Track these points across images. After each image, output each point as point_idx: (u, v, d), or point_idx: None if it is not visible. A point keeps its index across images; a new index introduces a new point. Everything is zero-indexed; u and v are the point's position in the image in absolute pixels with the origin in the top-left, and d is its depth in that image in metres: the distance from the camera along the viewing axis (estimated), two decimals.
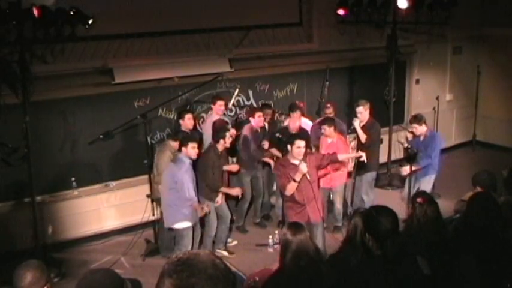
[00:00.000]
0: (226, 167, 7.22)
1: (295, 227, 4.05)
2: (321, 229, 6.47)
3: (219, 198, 7.01)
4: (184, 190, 6.36)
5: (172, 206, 6.51)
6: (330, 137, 7.33)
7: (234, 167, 7.41)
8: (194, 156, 6.52)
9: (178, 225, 6.53)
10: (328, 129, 7.28)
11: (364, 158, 6.68)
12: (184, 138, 6.62)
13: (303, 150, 6.18)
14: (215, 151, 6.91)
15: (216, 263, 1.72)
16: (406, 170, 7.60)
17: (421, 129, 7.66)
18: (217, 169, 6.95)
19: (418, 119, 7.75)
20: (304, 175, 6.11)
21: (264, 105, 8.38)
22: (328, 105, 8.25)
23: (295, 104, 8.18)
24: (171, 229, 6.68)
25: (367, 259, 3.82)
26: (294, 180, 6.10)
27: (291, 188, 6.18)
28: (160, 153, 7.02)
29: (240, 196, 7.38)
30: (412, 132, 7.91)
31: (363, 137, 7.72)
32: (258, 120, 7.73)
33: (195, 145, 6.50)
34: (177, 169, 6.39)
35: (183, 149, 6.43)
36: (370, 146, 7.67)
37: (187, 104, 8.26)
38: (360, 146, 7.75)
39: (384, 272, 3.60)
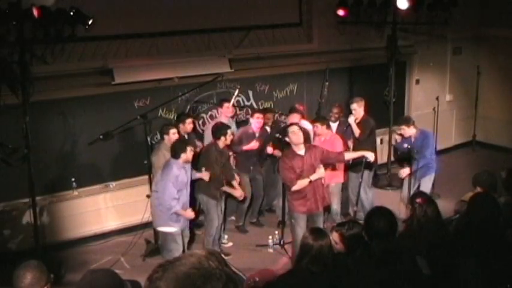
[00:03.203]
0: (198, 175, 6.83)
1: (318, 232, 4.02)
2: (322, 218, 6.64)
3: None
4: (165, 195, 6.22)
5: (157, 209, 6.45)
6: (322, 135, 7.30)
7: (205, 175, 6.89)
8: (190, 159, 6.45)
9: (163, 229, 6.44)
10: (320, 128, 7.25)
11: (372, 159, 6.70)
12: (180, 144, 6.44)
13: (300, 135, 6.27)
14: (216, 148, 6.92)
15: (199, 264, 1.69)
16: (404, 172, 7.62)
17: (409, 131, 7.64)
18: (219, 165, 6.95)
19: (406, 120, 7.81)
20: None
21: (265, 109, 8.37)
22: (337, 104, 8.24)
23: (294, 107, 8.18)
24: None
25: (363, 258, 3.84)
26: (309, 178, 6.19)
27: (301, 184, 6.22)
28: (155, 152, 7.05)
29: (242, 198, 7.34)
30: (400, 134, 7.87)
31: (357, 132, 7.81)
32: (256, 121, 7.71)
33: (192, 148, 6.51)
34: (162, 173, 6.32)
35: (183, 155, 6.26)
36: (364, 141, 7.76)
37: (188, 105, 8.27)
38: (355, 142, 7.84)
39: (378, 272, 3.61)
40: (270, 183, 8.17)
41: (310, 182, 6.19)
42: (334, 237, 4.14)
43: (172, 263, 1.72)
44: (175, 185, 6.24)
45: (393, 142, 8.89)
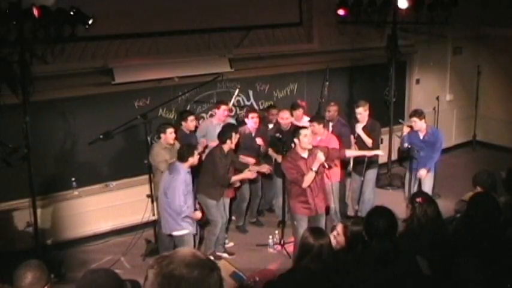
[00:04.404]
0: None
1: (318, 232, 4.04)
2: (324, 219, 6.61)
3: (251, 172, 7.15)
4: (175, 201, 6.26)
5: (168, 213, 6.45)
6: (318, 135, 7.22)
7: None
8: (196, 163, 6.53)
9: (178, 233, 6.48)
10: (317, 126, 7.21)
11: (382, 153, 6.71)
12: (189, 148, 6.49)
13: (310, 138, 6.29)
14: (221, 151, 6.90)
15: (196, 254, 1.89)
16: (422, 172, 7.60)
17: (420, 124, 7.65)
18: (224, 168, 6.94)
19: (418, 113, 7.78)
20: (322, 164, 6.18)
21: (269, 106, 8.41)
22: (332, 103, 8.19)
23: (296, 103, 8.18)
24: (170, 235, 6.63)
25: (363, 258, 3.84)
26: (312, 170, 6.17)
27: (308, 179, 6.22)
28: (150, 152, 7.06)
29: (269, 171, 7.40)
30: (410, 127, 7.87)
31: (369, 142, 7.65)
32: (251, 121, 7.69)
33: (199, 152, 6.62)
34: (170, 178, 6.31)
35: (190, 159, 6.32)
36: (375, 147, 7.69)
37: (188, 104, 8.26)
38: (364, 148, 7.66)
39: (378, 272, 3.61)
40: (267, 183, 8.17)
41: (315, 172, 6.19)
42: (338, 228, 4.18)
43: (170, 255, 1.88)
44: (183, 190, 6.27)
45: (400, 134, 8.88)
